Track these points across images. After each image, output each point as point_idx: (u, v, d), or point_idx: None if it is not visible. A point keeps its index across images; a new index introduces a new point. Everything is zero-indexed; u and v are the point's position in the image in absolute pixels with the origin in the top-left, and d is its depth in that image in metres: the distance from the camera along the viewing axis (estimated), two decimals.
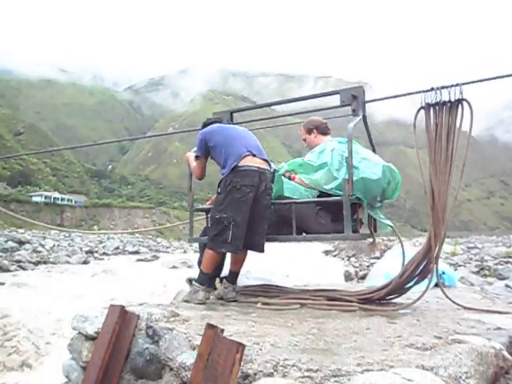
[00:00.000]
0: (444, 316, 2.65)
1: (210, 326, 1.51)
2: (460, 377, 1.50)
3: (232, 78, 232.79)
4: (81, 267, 18.22)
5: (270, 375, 1.49)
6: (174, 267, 19.46)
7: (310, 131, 3.52)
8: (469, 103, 2.93)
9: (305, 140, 3.56)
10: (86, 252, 26.36)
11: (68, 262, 19.87)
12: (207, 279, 3.08)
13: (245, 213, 2.95)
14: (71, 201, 74.49)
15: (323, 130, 3.51)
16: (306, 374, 1.48)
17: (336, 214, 3.07)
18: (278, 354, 1.65)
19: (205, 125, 3.43)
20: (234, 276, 3.21)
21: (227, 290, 3.17)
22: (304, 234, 3.27)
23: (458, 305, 2.95)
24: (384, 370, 1.46)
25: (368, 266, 14.79)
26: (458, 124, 3.00)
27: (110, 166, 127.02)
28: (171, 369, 1.72)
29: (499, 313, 2.86)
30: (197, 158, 3.31)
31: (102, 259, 23.80)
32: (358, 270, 13.97)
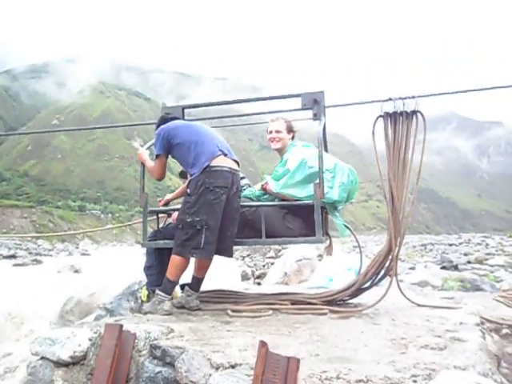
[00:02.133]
0: (409, 314, 2.81)
1: (263, 344, 1.36)
2: (487, 373, 1.59)
3: (125, 72, 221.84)
4: None
5: None
6: (59, 272, 17.80)
7: (291, 131, 3.38)
8: (422, 115, 3.15)
9: (278, 132, 3.35)
10: None
11: None
12: (173, 288, 2.84)
13: (218, 215, 2.79)
14: None
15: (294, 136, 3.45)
16: None
17: (305, 218, 3.06)
18: (313, 367, 1.57)
19: (163, 120, 3.15)
20: (198, 283, 3.01)
21: (190, 297, 2.95)
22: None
23: (413, 302, 3.15)
24: (430, 375, 1.47)
25: (264, 266, 15.25)
26: (413, 133, 3.20)
27: None
28: None
29: (448, 308, 3.12)
30: (157, 156, 3.01)
31: None
32: (253, 269, 14.32)
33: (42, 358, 1.94)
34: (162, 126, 3.04)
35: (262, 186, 3.21)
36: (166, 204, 3.53)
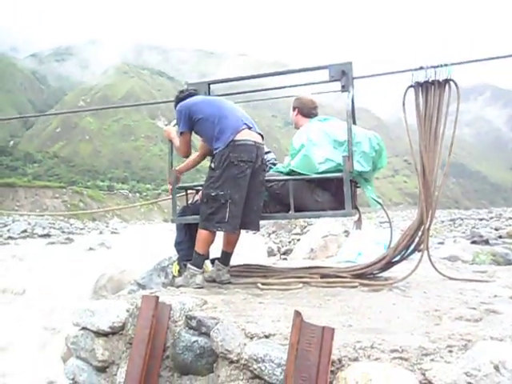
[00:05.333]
0: (441, 287, 2.78)
1: (297, 314, 1.38)
2: None
3: (147, 52, 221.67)
4: None
5: (357, 360, 1.42)
6: (90, 249, 18.36)
7: (293, 108, 3.40)
8: (455, 83, 3.03)
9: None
10: None
11: None
12: (203, 261, 2.90)
13: (243, 190, 2.80)
14: None
15: (306, 112, 3.36)
16: (394, 355, 1.42)
17: (334, 192, 3.03)
18: (347, 337, 1.58)
19: (180, 98, 3.15)
20: (227, 257, 3.06)
21: (221, 271, 3.01)
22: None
23: (444, 275, 3.12)
24: (467, 346, 1.46)
25: (289, 242, 15.30)
26: (445, 103, 3.09)
27: (11, 142, 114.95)
28: (231, 362, 1.56)
29: (479, 281, 3.07)
30: (181, 134, 3.02)
31: (8, 244, 21.68)
32: (279, 246, 14.38)
33: (83, 328, 2.03)
34: (182, 103, 3.03)
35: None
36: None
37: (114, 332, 1.94)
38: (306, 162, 3.02)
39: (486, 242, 8.94)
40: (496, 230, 14.39)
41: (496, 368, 1.19)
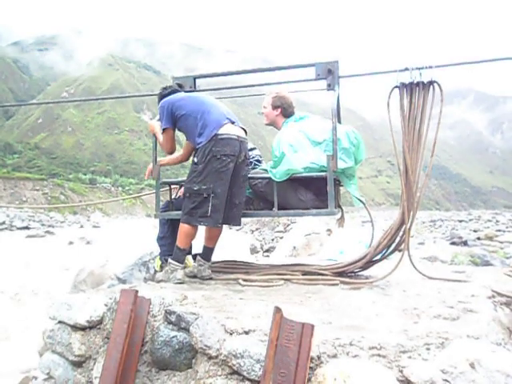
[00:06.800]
0: (420, 286, 2.81)
1: (278, 310, 1.37)
2: (500, 343, 1.59)
3: (133, 44, 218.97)
4: None
5: (336, 356, 1.42)
6: (70, 243, 18.09)
7: (276, 107, 3.28)
8: (439, 85, 3.07)
9: (264, 108, 3.33)
10: None
11: None
12: (184, 256, 2.87)
13: (225, 184, 2.79)
14: None
15: (287, 113, 3.30)
16: (372, 352, 1.43)
17: (317, 191, 3.04)
18: (326, 334, 1.58)
19: (163, 94, 3.12)
20: (209, 252, 3.04)
21: (202, 267, 2.99)
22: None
23: (424, 275, 3.16)
24: (444, 344, 1.48)
25: (272, 240, 15.36)
26: (429, 104, 3.12)
27: None
28: (210, 357, 1.55)
29: (457, 281, 3.12)
30: (164, 130, 2.99)
31: None
32: (262, 243, 14.43)
33: (60, 322, 1.99)
34: (165, 99, 3.01)
35: None
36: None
37: (92, 326, 1.91)
38: (290, 174, 3.00)
39: (465, 244, 9.13)
40: (475, 231, 14.71)
41: (472, 365, 1.20)
